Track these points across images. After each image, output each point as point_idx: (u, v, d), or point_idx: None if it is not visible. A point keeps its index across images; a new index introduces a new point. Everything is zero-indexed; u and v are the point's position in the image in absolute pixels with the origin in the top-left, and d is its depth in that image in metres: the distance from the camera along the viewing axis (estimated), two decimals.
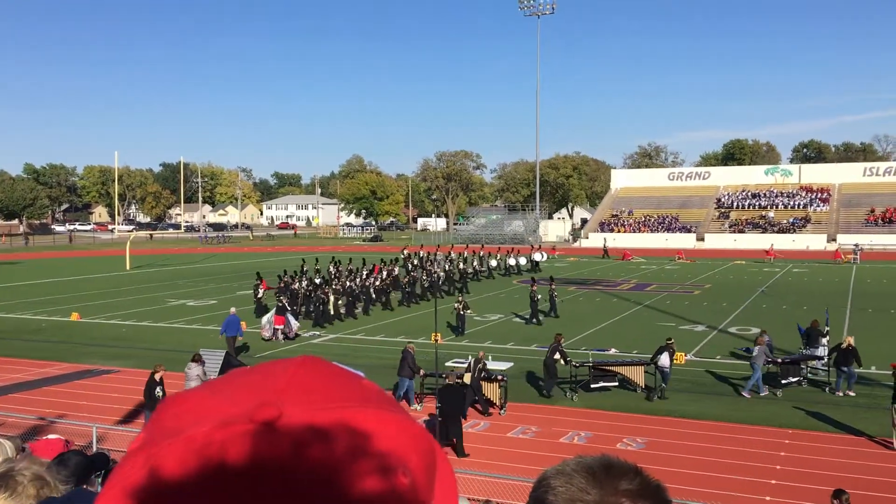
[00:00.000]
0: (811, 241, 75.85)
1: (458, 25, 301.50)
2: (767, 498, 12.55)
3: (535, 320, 29.61)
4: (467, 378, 17.42)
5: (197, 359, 17.85)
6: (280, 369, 0.79)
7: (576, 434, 15.98)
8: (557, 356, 18.95)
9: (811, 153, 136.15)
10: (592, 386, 19.12)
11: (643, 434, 15.91)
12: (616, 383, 19.28)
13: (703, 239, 79.69)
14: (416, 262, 43.80)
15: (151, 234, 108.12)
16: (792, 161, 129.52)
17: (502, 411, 17.48)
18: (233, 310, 25.29)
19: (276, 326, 26.88)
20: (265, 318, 27.73)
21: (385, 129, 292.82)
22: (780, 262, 58.26)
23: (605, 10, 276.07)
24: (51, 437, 5.59)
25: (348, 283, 32.46)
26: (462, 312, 26.76)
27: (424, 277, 38.04)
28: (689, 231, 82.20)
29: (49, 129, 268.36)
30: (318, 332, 28.15)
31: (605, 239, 72.76)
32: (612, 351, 24.05)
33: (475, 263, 46.55)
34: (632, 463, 0.85)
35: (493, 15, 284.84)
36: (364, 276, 34.51)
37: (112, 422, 16.36)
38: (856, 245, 61.65)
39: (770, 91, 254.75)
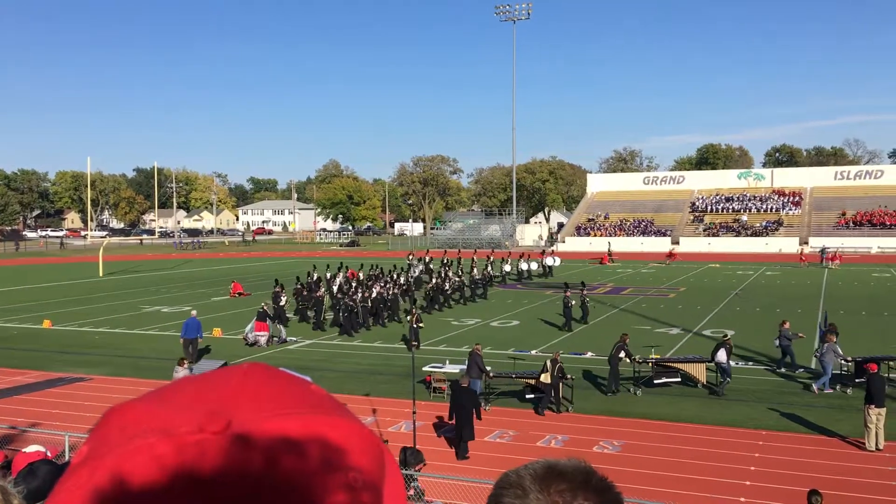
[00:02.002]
0: (784, 244, 76.77)
1: (434, 31, 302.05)
2: (742, 499, 12.67)
3: (568, 326, 29.16)
4: (545, 378, 17.94)
5: (182, 363, 18.27)
6: (227, 377, 0.78)
7: (552, 438, 16.03)
8: (622, 355, 19.69)
9: (783, 157, 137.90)
10: (655, 382, 19.82)
11: (619, 437, 16.00)
12: (678, 379, 19.91)
13: (678, 242, 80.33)
14: (423, 266, 43.11)
15: (142, 240, 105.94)
16: (765, 165, 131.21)
17: (570, 408, 18.07)
18: (193, 312, 25.57)
19: (258, 333, 26.75)
20: (248, 327, 27.63)
21: (362, 134, 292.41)
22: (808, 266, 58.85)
23: (580, 15, 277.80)
24: (29, 449, 5.49)
25: (374, 290, 31.62)
26: (415, 325, 25.44)
27: (447, 284, 37.09)
28: (664, 235, 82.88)
29: (20, 134, 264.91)
30: (294, 339, 27.97)
31: (609, 243, 72.09)
32: (589, 354, 24.16)
33: (488, 269, 45.34)
34: (583, 465, 0.83)
35: (468, 20, 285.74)
36: (386, 283, 33.74)
37: (85, 430, 16.15)
38: (823, 248, 62.37)
39: (743, 96, 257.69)
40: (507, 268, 48.75)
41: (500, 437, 16.22)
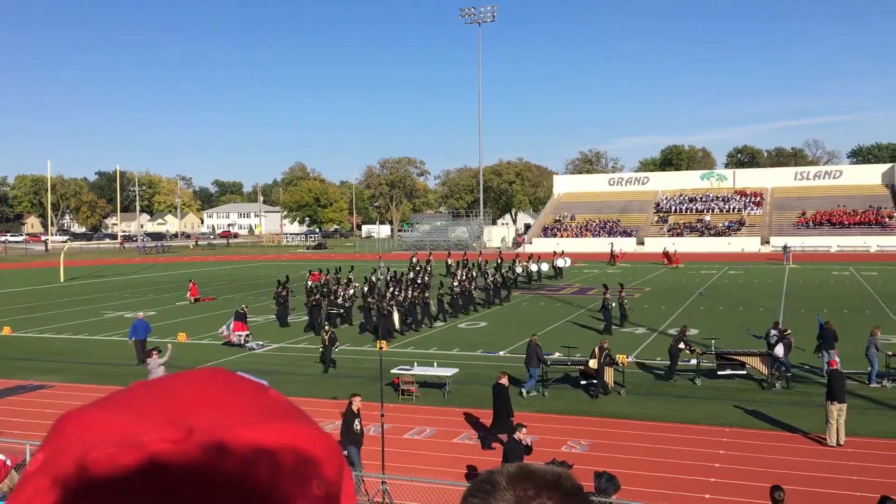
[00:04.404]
0: (746, 243, 78.02)
1: (400, 33, 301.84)
2: (707, 496, 12.84)
3: (608, 329, 28.32)
4: (593, 363, 19.14)
5: (152, 354, 19.19)
6: (186, 383, 0.76)
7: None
8: (682, 346, 20.52)
9: (745, 158, 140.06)
10: (719, 373, 20.48)
11: (587, 436, 16.12)
12: (744, 372, 20.37)
13: (642, 243, 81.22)
14: (427, 269, 42.55)
15: (122, 243, 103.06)
16: (727, 166, 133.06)
17: (622, 392, 19.28)
18: (140, 314, 26.23)
19: (238, 332, 26.60)
20: (226, 326, 27.45)
21: (328, 136, 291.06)
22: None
23: (544, 18, 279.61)
24: None
25: (409, 294, 30.84)
26: (328, 344, 23.02)
27: (473, 286, 36.38)
28: (629, 235, 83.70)
29: None
30: (261, 343, 27.71)
31: (612, 244, 71.59)
32: (557, 355, 24.27)
33: (504, 270, 44.05)
34: (559, 469, 0.87)
35: (434, 22, 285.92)
36: (409, 286, 32.80)
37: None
38: (785, 246, 63.74)
39: (705, 98, 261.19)
40: (519, 269, 47.83)
41: (468, 439, 16.26)
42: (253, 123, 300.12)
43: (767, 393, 19.39)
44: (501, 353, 25.15)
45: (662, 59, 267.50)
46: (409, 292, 31.00)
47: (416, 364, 21.18)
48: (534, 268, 49.45)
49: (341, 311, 31.48)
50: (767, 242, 77.47)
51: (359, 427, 13.95)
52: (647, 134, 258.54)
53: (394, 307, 28.78)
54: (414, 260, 48.95)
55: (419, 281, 36.20)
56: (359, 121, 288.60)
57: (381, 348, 20.33)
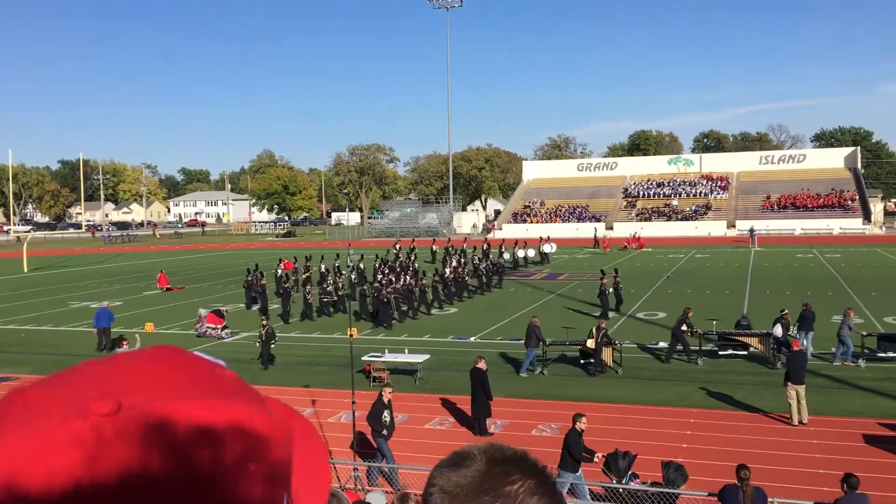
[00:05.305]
0: (712, 227, 78.97)
1: (368, 19, 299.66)
2: None
3: (605, 314, 28.10)
4: (591, 343, 19.92)
5: (121, 343, 19.27)
6: (131, 359, 0.75)
7: (492, 423, 16.19)
8: (684, 327, 20.98)
9: (711, 143, 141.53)
10: (721, 353, 21.17)
11: (557, 420, 16.23)
12: (746, 352, 20.86)
13: (612, 227, 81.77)
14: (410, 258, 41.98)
15: (93, 232, 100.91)
16: (693, 151, 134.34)
17: (620, 370, 20.02)
18: (105, 303, 26.81)
19: (209, 325, 26.42)
20: (202, 313, 27.32)
21: (296, 123, 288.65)
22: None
23: (513, 3, 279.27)
24: None
25: (406, 281, 30.39)
26: (265, 339, 21.83)
27: (466, 272, 36.15)
28: (598, 220, 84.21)
29: None
30: (231, 331, 27.50)
31: (595, 229, 71.57)
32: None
33: (492, 257, 43.66)
34: (517, 449, 0.93)
35: (402, 8, 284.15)
36: (412, 273, 32.35)
37: None
38: (751, 229, 64.68)
39: (672, 83, 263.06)
40: (507, 255, 47.54)
41: (440, 425, 16.33)
42: (219, 111, 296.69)
43: (734, 374, 19.71)
44: (472, 338, 25.24)
45: (630, 45, 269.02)
46: (405, 279, 30.81)
47: (387, 351, 21.21)
48: (520, 253, 49.51)
49: (334, 299, 31.34)
50: (733, 226, 78.48)
51: (388, 418, 13.66)
52: (615, 119, 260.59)
53: (391, 295, 28.60)
54: (397, 247, 48.64)
55: (411, 268, 36.18)
56: (327, 108, 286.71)
57: (351, 335, 20.28)
